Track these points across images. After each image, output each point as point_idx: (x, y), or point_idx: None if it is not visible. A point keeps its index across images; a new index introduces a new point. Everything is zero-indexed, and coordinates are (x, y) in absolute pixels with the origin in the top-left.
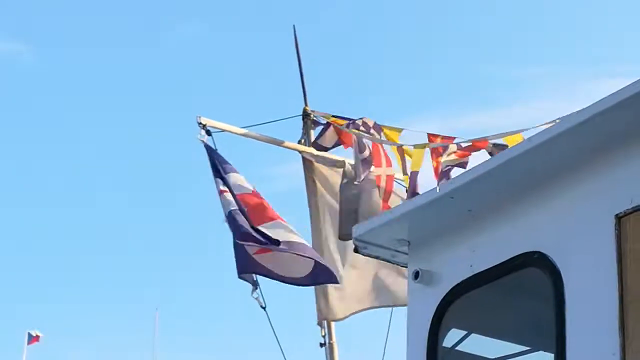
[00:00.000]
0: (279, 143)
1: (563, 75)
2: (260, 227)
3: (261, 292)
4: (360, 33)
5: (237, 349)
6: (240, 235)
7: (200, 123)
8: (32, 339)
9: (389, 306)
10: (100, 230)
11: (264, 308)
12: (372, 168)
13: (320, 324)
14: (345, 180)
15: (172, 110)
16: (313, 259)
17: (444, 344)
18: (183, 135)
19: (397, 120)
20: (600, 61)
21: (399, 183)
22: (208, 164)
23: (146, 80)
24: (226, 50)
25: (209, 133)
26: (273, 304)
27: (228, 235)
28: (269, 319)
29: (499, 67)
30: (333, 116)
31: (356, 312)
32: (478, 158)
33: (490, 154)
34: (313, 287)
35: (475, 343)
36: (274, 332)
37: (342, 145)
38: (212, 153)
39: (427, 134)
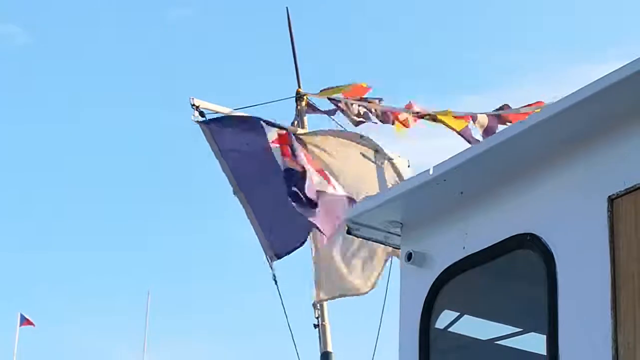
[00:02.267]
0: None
1: (552, 60)
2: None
3: (271, 267)
4: (352, 17)
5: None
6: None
7: (194, 105)
8: (24, 320)
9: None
10: (99, 223)
11: (275, 282)
12: None
13: (314, 305)
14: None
15: (165, 93)
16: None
17: (436, 326)
18: (174, 116)
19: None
20: (588, 45)
21: None
22: (206, 141)
23: (139, 63)
24: (219, 32)
25: (202, 114)
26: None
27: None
28: (279, 293)
29: (485, 53)
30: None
31: (345, 296)
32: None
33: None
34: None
35: (468, 325)
36: (282, 305)
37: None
38: (212, 127)
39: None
